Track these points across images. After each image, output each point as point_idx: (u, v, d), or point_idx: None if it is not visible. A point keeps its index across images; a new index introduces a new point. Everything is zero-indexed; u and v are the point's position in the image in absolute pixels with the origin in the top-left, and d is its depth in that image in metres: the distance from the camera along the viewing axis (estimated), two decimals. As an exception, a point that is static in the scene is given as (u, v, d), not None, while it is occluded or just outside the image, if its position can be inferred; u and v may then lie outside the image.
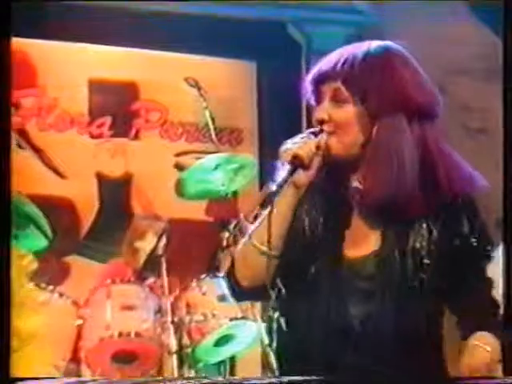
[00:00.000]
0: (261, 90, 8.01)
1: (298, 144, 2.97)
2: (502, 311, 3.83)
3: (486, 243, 3.18)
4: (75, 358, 6.19)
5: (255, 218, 3.06)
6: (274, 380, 3.22)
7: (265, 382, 3.40)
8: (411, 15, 6.61)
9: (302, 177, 2.93)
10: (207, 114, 6.63)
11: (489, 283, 3.23)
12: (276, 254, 2.97)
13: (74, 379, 5.41)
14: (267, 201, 2.96)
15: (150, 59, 7.77)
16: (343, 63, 2.97)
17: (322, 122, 2.98)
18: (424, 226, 3.05)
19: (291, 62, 7.69)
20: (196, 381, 4.11)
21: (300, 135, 3.02)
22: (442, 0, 6.58)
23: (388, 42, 3.05)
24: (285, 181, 2.91)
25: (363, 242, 3.05)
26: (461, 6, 6.77)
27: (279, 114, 7.70)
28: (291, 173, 2.91)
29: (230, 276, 3.04)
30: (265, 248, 2.95)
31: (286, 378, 3.02)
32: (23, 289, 5.62)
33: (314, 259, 3.02)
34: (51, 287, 6.06)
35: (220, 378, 4.57)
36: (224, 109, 7.27)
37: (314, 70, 3.06)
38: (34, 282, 5.92)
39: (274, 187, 2.94)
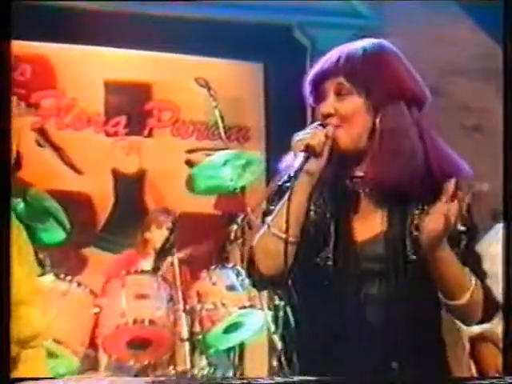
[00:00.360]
0: (267, 90, 8.03)
1: (309, 134, 2.94)
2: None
3: (473, 228, 3.12)
4: (93, 344, 6.22)
5: (264, 214, 3.04)
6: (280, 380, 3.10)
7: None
8: (411, 18, 6.63)
9: (314, 165, 2.90)
10: (217, 112, 6.62)
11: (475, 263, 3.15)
12: (294, 240, 2.94)
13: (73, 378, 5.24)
14: (283, 190, 2.96)
15: (163, 61, 7.80)
16: (344, 59, 2.97)
17: (327, 116, 2.96)
18: (420, 207, 3.03)
19: (297, 63, 7.57)
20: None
21: (309, 127, 3.00)
22: (440, 2, 6.64)
23: (380, 40, 3.05)
24: (300, 169, 2.88)
25: (370, 226, 3.03)
26: (459, 10, 6.79)
27: (285, 112, 7.61)
28: (305, 161, 2.88)
29: (251, 266, 3.00)
30: (284, 235, 2.90)
31: (296, 378, 2.98)
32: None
33: (324, 245, 3.01)
34: (70, 277, 6.04)
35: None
36: (232, 108, 7.27)
37: (316, 69, 3.06)
38: (54, 272, 5.97)
39: (289, 176, 2.93)
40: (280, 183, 3.05)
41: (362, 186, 3.01)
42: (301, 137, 2.97)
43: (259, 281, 3.03)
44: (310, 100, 3.11)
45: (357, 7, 7.58)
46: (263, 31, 7.63)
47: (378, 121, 2.95)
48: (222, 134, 6.52)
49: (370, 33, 6.84)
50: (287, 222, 2.90)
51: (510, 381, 2.86)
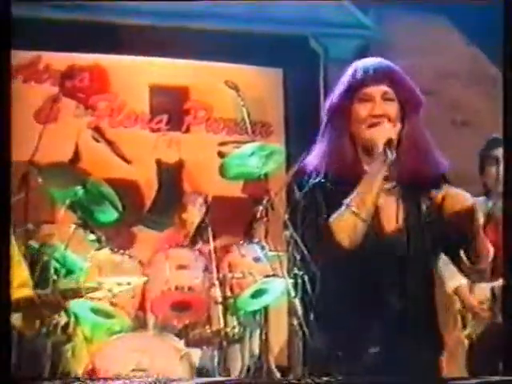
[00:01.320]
0: (286, 91, 8.02)
1: (388, 129, 2.97)
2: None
3: None
4: (142, 307, 6.34)
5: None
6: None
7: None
8: (408, 30, 6.67)
9: (390, 156, 2.94)
10: (244, 111, 6.64)
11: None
12: (367, 220, 2.96)
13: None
14: (370, 175, 2.98)
15: (198, 68, 7.85)
16: (383, 71, 3.05)
17: (379, 116, 3.00)
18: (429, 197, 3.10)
19: (311, 68, 7.77)
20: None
21: (369, 123, 3.02)
22: (434, 17, 6.67)
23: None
24: (383, 160, 2.93)
25: (392, 217, 3.05)
26: (449, 24, 6.79)
27: (301, 110, 7.70)
28: (386, 153, 2.93)
29: (331, 239, 2.98)
30: (363, 215, 2.95)
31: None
32: None
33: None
34: (122, 251, 6.18)
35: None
36: (257, 107, 7.22)
37: (356, 77, 3.06)
38: (109, 247, 6.10)
39: (378, 167, 2.95)
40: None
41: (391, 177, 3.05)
42: (380, 132, 2.98)
43: (338, 251, 2.98)
44: (345, 101, 3.08)
45: (362, 20, 7.55)
46: (283, 41, 7.67)
47: (406, 122, 3.04)
48: (249, 129, 6.55)
49: (374, 42, 6.99)
50: (368, 203, 2.95)
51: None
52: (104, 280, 5.82)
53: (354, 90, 3.07)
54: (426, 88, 3.32)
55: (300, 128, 7.50)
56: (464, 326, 4.67)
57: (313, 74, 7.74)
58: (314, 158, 3.15)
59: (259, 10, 7.39)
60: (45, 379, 2.98)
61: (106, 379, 2.79)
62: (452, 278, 4.62)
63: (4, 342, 2.79)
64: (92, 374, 5.64)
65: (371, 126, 3.03)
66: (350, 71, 3.12)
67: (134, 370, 5.55)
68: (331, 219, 2.99)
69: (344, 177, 3.06)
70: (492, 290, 4.42)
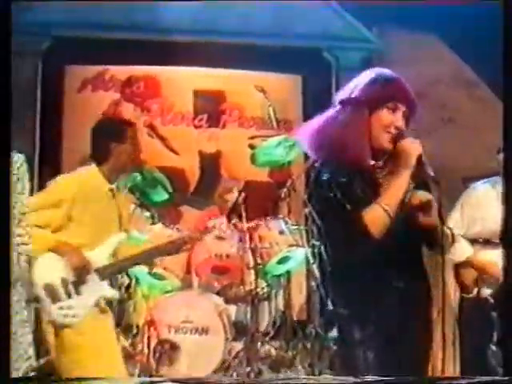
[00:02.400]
0: (305, 94, 8.03)
1: (419, 146, 2.99)
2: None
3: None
4: (188, 271, 6.49)
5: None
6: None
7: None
8: (404, 44, 6.75)
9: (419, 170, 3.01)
10: (270, 110, 6.71)
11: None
12: (393, 216, 2.98)
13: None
14: (400, 181, 3.01)
15: (233, 75, 7.92)
16: (409, 96, 3.10)
17: (397, 128, 3.04)
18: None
19: (325, 75, 7.78)
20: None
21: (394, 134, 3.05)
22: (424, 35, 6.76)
23: None
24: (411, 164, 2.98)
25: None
26: (438, 40, 6.86)
27: (317, 110, 7.64)
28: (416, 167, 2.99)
29: (363, 230, 2.98)
30: (391, 212, 2.97)
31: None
32: None
33: None
34: (172, 226, 6.23)
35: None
36: (281, 106, 7.18)
37: (394, 89, 3.08)
38: (161, 222, 6.15)
39: (407, 175, 3.00)
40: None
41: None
42: (414, 146, 3.01)
43: (366, 238, 2.99)
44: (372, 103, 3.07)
45: (367, 35, 7.59)
46: (301, 53, 7.72)
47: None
48: (274, 125, 6.64)
49: (376, 53, 7.06)
50: (394, 203, 2.98)
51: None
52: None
53: (386, 98, 3.08)
54: (419, 91, 3.37)
55: None
56: (478, 291, 4.54)
57: (326, 80, 7.75)
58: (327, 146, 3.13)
59: (282, 27, 7.40)
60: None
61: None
62: (461, 251, 4.57)
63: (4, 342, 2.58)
64: (150, 324, 5.84)
65: (392, 134, 3.06)
66: (378, 75, 3.15)
67: (183, 322, 5.77)
68: (364, 213, 2.99)
69: (352, 166, 3.06)
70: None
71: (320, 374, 5.70)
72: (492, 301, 4.46)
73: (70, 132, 7.63)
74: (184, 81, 7.88)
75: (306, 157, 6.63)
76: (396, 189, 3.02)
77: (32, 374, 3.81)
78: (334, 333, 3.24)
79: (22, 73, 7.19)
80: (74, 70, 7.75)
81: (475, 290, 4.52)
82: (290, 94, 8.00)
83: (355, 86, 3.17)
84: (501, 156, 4.46)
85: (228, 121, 8.00)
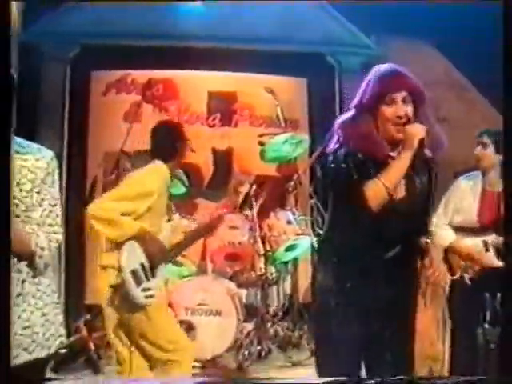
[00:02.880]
0: (310, 95, 8.04)
1: (421, 129, 3.02)
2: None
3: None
4: (203, 258, 6.58)
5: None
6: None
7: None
8: (400, 49, 6.76)
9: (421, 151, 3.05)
10: (278, 109, 6.75)
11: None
12: (392, 194, 3.04)
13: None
14: (401, 160, 3.05)
15: (244, 78, 7.93)
16: (403, 79, 3.10)
17: (401, 117, 3.05)
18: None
19: (328, 78, 7.82)
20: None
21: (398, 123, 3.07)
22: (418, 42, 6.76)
23: None
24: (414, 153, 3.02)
25: (401, 188, 3.13)
26: (431, 48, 6.93)
27: (321, 109, 7.78)
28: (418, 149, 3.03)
29: (363, 203, 3.02)
30: (391, 189, 3.02)
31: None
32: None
33: None
34: (188, 216, 6.36)
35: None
36: (288, 107, 7.26)
37: (387, 84, 3.09)
38: (179, 213, 6.23)
39: (408, 155, 3.03)
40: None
41: None
42: (415, 129, 3.04)
43: (366, 213, 3.04)
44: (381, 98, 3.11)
45: (366, 41, 7.63)
46: (307, 57, 7.70)
47: (418, 117, 3.09)
48: (282, 123, 6.73)
49: (374, 58, 6.99)
50: (394, 180, 3.04)
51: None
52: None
53: (380, 95, 3.10)
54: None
55: (320, 123, 7.49)
56: (462, 275, 4.53)
57: (329, 82, 7.80)
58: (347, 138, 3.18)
59: (289, 34, 7.36)
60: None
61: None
62: (445, 237, 4.58)
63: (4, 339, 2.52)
64: (169, 306, 5.89)
65: (399, 124, 3.08)
66: (376, 77, 3.17)
67: (199, 305, 5.83)
68: (365, 187, 3.04)
69: (370, 154, 3.12)
70: (484, 243, 4.37)
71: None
72: (469, 283, 4.49)
73: (95, 131, 7.70)
74: (199, 83, 7.90)
75: (311, 153, 6.73)
76: (397, 168, 3.06)
77: (63, 350, 3.93)
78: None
79: (51, 77, 7.33)
80: (99, 74, 7.79)
81: (458, 273, 4.54)
82: (296, 95, 7.99)
83: (359, 91, 3.23)
84: (479, 150, 4.56)
85: (239, 120, 8.01)
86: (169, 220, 4.94)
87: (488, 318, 4.28)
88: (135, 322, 4.21)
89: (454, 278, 4.56)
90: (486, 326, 4.31)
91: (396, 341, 3.23)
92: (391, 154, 3.14)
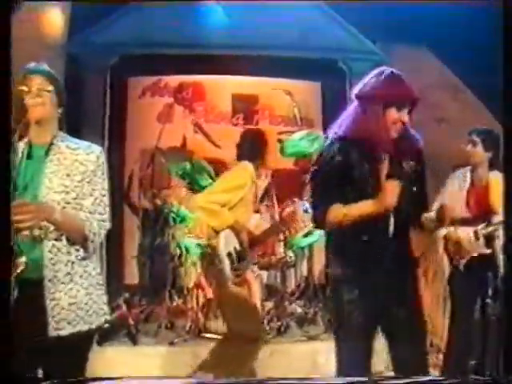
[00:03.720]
0: (323, 97, 8.07)
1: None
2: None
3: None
4: None
5: None
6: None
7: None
8: (403, 56, 6.73)
9: None
10: (295, 110, 6.74)
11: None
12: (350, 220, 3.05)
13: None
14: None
15: (264, 82, 7.86)
16: (403, 87, 3.11)
17: (405, 123, 3.09)
18: None
19: (340, 81, 7.77)
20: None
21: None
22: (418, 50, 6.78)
23: None
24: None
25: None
26: (430, 54, 6.91)
27: (333, 110, 7.54)
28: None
29: (382, 200, 3.01)
30: (349, 218, 3.04)
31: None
32: None
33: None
34: None
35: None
36: (304, 107, 7.18)
37: (386, 88, 3.12)
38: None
39: (378, 205, 3.01)
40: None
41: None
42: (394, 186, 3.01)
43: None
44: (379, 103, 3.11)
45: (372, 48, 7.61)
46: (321, 63, 7.72)
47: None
48: (299, 122, 6.72)
49: (380, 63, 6.99)
50: (356, 217, 3.03)
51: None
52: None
53: (380, 97, 3.12)
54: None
55: (333, 122, 7.48)
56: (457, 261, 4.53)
57: (341, 86, 7.73)
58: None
59: (305, 42, 7.38)
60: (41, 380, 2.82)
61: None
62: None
63: (5, 343, 2.52)
64: (198, 286, 5.91)
65: (400, 128, 3.10)
66: (377, 77, 3.20)
67: None
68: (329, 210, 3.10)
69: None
70: (474, 232, 4.36)
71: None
72: (463, 269, 4.48)
73: (132, 130, 7.77)
74: (224, 87, 7.92)
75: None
76: (360, 210, 3.05)
77: (106, 325, 4.00)
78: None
79: (94, 84, 7.42)
80: (136, 80, 7.86)
81: (456, 260, 4.53)
82: (311, 97, 7.97)
83: (370, 82, 3.24)
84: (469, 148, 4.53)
85: (260, 119, 8.00)
86: (257, 212, 5.12)
87: (490, 293, 4.27)
88: (224, 296, 4.57)
89: (453, 264, 4.56)
90: (488, 300, 4.30)
91: (406, 315, 3.19)
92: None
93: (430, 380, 2.72)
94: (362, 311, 3.14)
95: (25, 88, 2.77)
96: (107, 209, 2.88)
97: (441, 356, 4.78)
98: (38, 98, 2.76)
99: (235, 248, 4.49)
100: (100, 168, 2.87)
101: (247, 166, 4.78)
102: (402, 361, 3.18)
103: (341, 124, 3.31)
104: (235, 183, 4.68)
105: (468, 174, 4.59)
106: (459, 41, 5.80)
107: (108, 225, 2.88)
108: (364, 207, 3.06)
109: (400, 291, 3.17)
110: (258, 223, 4.86)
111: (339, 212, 3.09)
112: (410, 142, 3.20)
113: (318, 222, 3.22)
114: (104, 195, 2.87)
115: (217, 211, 4.50)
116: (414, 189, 3.17)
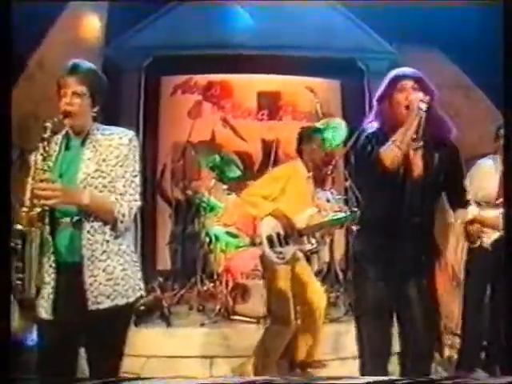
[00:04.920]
0: (343, 94, 7.97)
1: (418, 97, 3.01)
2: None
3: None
4: (255, 231, 6.22)
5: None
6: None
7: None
8: (416, 55, 6.62)
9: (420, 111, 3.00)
10: (318, 106, 6.73)
11: None
12: (404, 151, 3.03)
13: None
14: (408, 124, 3.02)
15: (288, 80, 7.81)
16: (413, 74, 3.12)
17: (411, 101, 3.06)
18: None
19: (358, 79, 7.70)
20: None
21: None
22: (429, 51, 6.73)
23: None
24: (417, 115, 3.00)
25: (418, 165, 3.10)
26: (441, 54, 6.80)
27: (352, 106, 7.65)
28: (418, 110, 3.00)
29: (380, 162, 3.02)
30: (403, 148, 3.02)
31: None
32: None
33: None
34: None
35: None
36: (325, 103, 7.02)
37: (399, 74, 3.14)
38: (235, 193, 6.23)
39: (412, 120, 3.01)
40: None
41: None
42: (419, 95, 3.03)
43: (382, 170, 3.03)
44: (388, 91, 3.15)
45: (389, 48, 7.49)
46: (340, 62, 7.63)
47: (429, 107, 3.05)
48: (321, 117, 6.66)
49: (395, 62, 6.84)
50: (404, 140, 3.00)
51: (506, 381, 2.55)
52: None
53: (394, 85, 3.13)
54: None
55: (352, 117, 7.39)
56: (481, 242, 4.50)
57: (359, 83, 7.68)
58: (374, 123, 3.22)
59: (326, 43, 7.28)
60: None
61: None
62: (469, 211, 4.46)
63: (4, 342, 2.55)
64: (227, 272, 5.88)
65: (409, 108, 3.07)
66: (392, 73, 3.20)
67: (252, 270, 5.72)
68: (381, 150, 3.04)
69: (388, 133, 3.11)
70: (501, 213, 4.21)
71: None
72: (490, 249, 4.43)
73: (164, 125, 7.76)
74: (250, 85, 7.86)
75: (345, 142, 6.65)
76: (405, 130, 3.03)
77: (142, 302, 4.08)
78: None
79: (129, 83, 7.44)
80: (168, 79, 7.85)
81: (479, 241, 4.48)
82: (331, 94, 7.89)
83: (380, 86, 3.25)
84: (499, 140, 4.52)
85: (284, 115, 7.94)
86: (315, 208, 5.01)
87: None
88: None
89: (474, 246, 4.50)
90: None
91: (422, 297, 3.15)
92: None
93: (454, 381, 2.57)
94: (383, 290, 3.12)
95: (61, 91, 2.78)
96: (138, 189, 2.84)
97: (456, 339, 4.73)
98: (74, 99, 2.76)
99: (278, 233, 4.55)
100: (132, 150, 2.83)
101: (293, 162, 4.90)
102: (413, 342, 3.13)
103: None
104: (273, 176, 4.82)
105: (497, 162, 4.58)
106: (470, 42, 5.76)
107: (139, 204, 2.84)
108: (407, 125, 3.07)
109: (417, 272, 3.15)
110: (313, 216, 4.81)
111: (390, 147, 3.06)
112: (441, 130, 3.17)
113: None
114: (135, 176, 2.83)
115: (256, 202, 4.61)
116: (446, 175, 3.15)
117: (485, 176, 4.55)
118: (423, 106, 3.02)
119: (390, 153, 3.02)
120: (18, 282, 2.58)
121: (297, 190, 4.74)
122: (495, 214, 4.35)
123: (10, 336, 2.46)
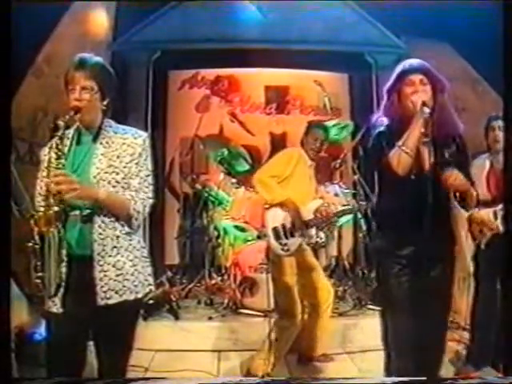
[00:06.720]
0: (351, 88, 7.94)
1: (423, 95, 3.02)
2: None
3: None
4: (263, 225, 6.29)
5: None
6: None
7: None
8: (425, 49, 6.58)
9: (426, 111, 3.00)
10: (326, 99, 6.78)
11: None
12: (412, 155, 3.00)
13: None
14: (414, 127, 3.00)
15: (295, 74, 7.79)
16: (421, 67, 3.10)
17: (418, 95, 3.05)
18: None
19: (366, 73, 7.65)
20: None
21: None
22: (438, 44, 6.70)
23: None
24: (422, 115, 2.98)
25: (427, 160, 3.03)
26: (451, 48, 6.78)
27: (360, 100, 7.66)
28: (423, 110, 2.99)
29: (389, 168, 3.01)
30: (410, 153, 2.99)
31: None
32: None
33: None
34: (251, 189, 6.04)
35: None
36: (333, 97, 7.25)
37: (407, 68, 3.11)
38: (244, 187, 6.20)
39: (418, 121, 2.99)
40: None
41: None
42: (419, 97, 3.02)
43: (393, 176, 3.01)
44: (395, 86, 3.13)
45: (397, 42, 7.43)
46: (348, 56, 7.57)
47: (438, 98, 3.07)
48: (329, 111, 6.74)
49: (404, 56, 6.84)
50: (414, 144, 2.99)
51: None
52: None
53: (402, 79, 3.11)
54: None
55: (360, 111, 7.47)
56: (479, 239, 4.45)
57: (367, 77, 7.63)
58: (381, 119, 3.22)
59: (333, 36, 7.25)
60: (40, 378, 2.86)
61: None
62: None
63: (4, 343, 2.57)
64: (235, 265, 5.88)
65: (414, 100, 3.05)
66: (400, 67, 3.17)
67: (260, 264, 5.69)
68: (390, 156, 3.01)
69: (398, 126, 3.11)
70: (494, 212, 4.28)
71: (365, 305, 5.70)
72: (484, 248, 4.40)
73: (172, 120, 7.74)
74: (258, 79, 7.83)
75: (353, 136, 6.66)
76: (411, 133, 3.01)
77: (150, 296, 4.07)
78: (373, 273, 3.21)
79: (137, 77, 7.42)
80: (175, 73, 7.83)
81: (479, 239, 4.44)
82: (339, 88, 7.88)
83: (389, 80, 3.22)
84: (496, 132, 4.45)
85: (291, 109, 7.91)
86: (321, 198, 4.96)
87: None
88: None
89: (476, 243, 4.47)
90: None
91: (437, 290, 3.15)
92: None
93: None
94: (406, 283, 3.11)
95: (69, 86, 2.78)
96: (151, 187, 2.88)
97: (465, 334, 4.71)
98: (83, 94, 2.76)
99: (284, 225, 4.51)
100: (145, 151, 2.88)
101: (296, 148, 4.88)
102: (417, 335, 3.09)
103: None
104: (284, 156, 4.76)
105: (488, 159, 4.51)
106: (478, 36, 5.74)
107: (152, 202, 2.88)
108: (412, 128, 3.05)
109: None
110: (318, 208, 4.71)
111: (397, 152, 3.03)
112: (449, 126, 3.16)
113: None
114: (148, 175, 2.88)
115: (271, 186, 4.52)
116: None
117: (478, 174, 4.50)
118: (426, 111, 3.01)
119: (399, 159, 3.00)
120: (38, 281, 2.60)
121: (303, 175, 4.72)
122: (487, 213, 4.33)
123: (11, 337, 2.41)
